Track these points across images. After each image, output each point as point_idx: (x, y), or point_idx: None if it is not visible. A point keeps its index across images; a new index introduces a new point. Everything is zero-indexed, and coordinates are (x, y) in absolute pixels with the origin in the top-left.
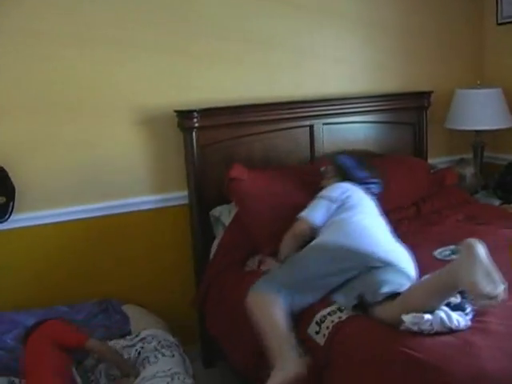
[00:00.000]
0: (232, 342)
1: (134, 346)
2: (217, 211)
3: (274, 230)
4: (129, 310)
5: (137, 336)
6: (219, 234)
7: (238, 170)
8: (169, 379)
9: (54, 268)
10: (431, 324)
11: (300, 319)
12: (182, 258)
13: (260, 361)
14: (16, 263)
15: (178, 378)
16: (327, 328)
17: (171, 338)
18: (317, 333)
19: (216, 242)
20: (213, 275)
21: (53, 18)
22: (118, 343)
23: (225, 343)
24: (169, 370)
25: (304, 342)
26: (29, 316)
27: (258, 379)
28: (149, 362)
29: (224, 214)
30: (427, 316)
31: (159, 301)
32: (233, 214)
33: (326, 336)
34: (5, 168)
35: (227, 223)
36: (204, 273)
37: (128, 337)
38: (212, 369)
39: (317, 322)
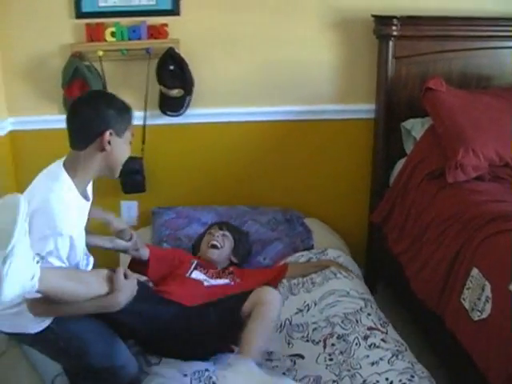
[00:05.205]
0: (416, 264)
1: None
2: (409, 124)
3: (472, 144)
4: (312, 223)
5: (323, 252)
6: (409, 148)
7: (436, 81)
8: (362, 304)
9: (225, 169)
10: None
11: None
12: (359, 175)
13: (444, 289)
14: (190, 159)
15: (371, 307)
16: None
17: (357, 268)
18: None
19: (401, 161)
20: (400, 191)
21: None
22: (303, 255)
23: (407, 265)
24: (362, 293)
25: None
26: (206, 212)
27: (438, 308)
28: (341, 273)
29: (416, 127)
30: None
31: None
32: (426, 128)
33: None
34: (186, 60)
35: (418, 138)
36: (390, 188)
37: (313, 250)
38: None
39: None
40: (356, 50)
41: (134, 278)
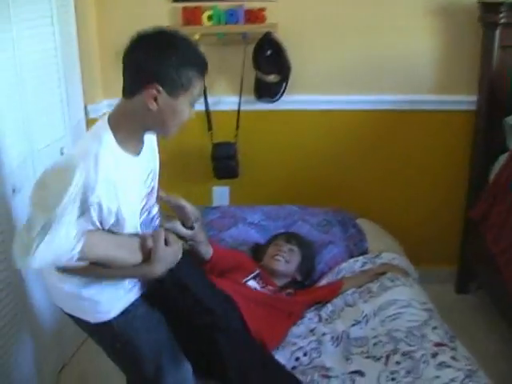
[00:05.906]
0: None
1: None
2: None
3: None
4: (363, 224)
5: (377, 256)
6: None
7: None
8: (426, 316)
9: (305, 159)
10: None
11: None
12: (457, 169)
13: None
14: (282, 146)
15: (436, 319)
16: None
17: (413, 270)
18: None
19: (502, 157)
20: (501, 188)
21: None
22: (357, 260)
23: (506, 266)
24: (423, 303)
25: None
26: (253, 212)
27: None
28: (399, 279)
29: None
30: None
31: (411, 215)
32: None
33: None
34: (283, 45)
35: None
36: (490, 184)
37: (367, 255)
38: (464, 295)
39: None
40: (459, 38)
41: (177, 243)
